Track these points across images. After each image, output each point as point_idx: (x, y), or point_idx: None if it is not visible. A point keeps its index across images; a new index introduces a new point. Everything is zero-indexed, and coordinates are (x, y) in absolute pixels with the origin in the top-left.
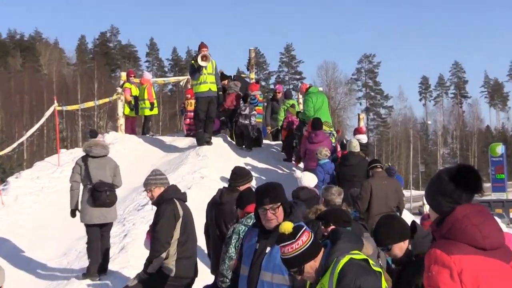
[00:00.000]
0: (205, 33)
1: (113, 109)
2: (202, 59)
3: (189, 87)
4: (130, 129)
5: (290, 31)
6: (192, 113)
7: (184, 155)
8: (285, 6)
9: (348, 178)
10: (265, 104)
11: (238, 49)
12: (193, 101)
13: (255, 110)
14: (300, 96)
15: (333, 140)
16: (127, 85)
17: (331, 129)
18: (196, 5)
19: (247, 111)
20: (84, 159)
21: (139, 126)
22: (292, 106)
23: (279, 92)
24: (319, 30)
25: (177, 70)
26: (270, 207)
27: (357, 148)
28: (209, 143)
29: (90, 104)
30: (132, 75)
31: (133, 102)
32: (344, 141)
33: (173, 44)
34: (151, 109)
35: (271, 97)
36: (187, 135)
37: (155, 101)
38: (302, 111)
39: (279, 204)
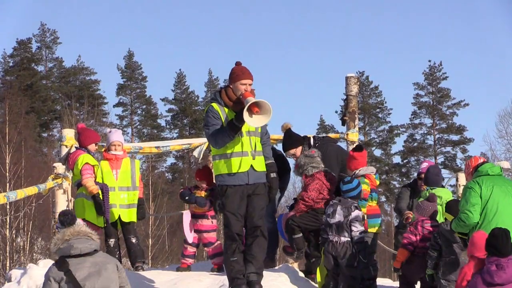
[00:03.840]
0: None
1: (45, 211)
2: (252, 111)
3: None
4: None
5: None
6: (207, 221)
7: None
8: None
9: None
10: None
11: (322, 79)
12: (204, 194)
13: (357, 206)
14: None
15: None
16: (85, 158)
17: None
18: None
19: (339, 216)
20: (62, 265)
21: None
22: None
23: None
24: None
25: (186, 123)
26: None
27: None
28: (255, 286)
29: None
30: (93, 141)
31: (101, 196)
32: None
33: (179, 66)
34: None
35: (408, 184)
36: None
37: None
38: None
39: None
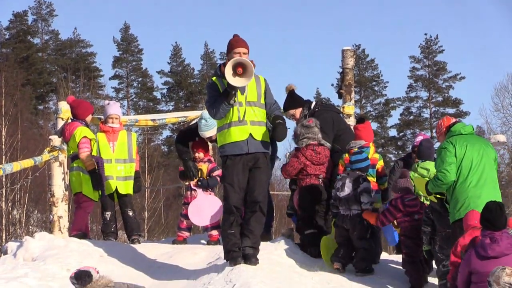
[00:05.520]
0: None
1: (41, 184)
2: (236, 72)
3: (207, 134)
4: (81, 225)
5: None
6: (204, 194)
7: (198, 286)
8: None
9: None
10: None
11: (318, 52)
12: (205, 167)
13: (365, 178)
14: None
15: None
16: (84, 131)
17: None
18: None
19: (348, 189)
20: None
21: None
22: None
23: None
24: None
25: (181, 96)
26: None
27: None
28: (251, 260)
29: None
30: (90, 113)
31: (97, 169)
32: None
33: (175, 38)
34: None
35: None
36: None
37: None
38: (433, 177)
39: None
